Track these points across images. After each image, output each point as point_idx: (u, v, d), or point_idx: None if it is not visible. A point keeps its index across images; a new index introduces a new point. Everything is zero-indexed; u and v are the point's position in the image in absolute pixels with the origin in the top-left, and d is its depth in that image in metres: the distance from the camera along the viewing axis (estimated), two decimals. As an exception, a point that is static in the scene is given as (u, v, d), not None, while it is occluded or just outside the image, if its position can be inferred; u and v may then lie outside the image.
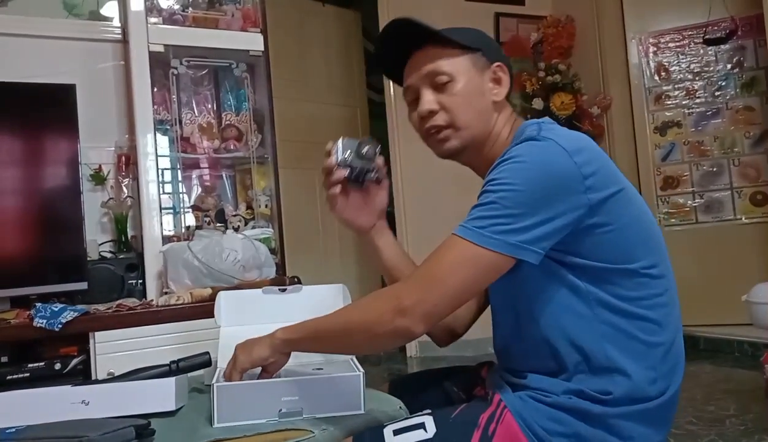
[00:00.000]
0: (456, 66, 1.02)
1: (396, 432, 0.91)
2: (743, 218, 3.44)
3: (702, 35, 3.45)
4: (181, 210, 2.53)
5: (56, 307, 1.90)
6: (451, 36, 1.02)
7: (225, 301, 1.27)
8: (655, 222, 0.99)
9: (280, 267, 2.45)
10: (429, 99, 1.03)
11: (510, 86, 1.07)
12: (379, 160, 1.13)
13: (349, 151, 1.10)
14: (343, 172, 1.10)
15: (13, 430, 0.94)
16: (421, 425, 0.91)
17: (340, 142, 1.10)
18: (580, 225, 0.88)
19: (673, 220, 3.60)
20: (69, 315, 1.86)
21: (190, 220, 2.49)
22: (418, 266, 0.93)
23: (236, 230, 2.46)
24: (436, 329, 1.16)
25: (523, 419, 0.90)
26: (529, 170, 0.86)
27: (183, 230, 2.38)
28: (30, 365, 1.86)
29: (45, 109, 2.17)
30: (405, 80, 1.08)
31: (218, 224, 2.49)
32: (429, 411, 0.95)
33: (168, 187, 2.50)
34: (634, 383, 0.90)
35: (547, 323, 0.94)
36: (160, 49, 2.35)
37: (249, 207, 2.61)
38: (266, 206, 2.61)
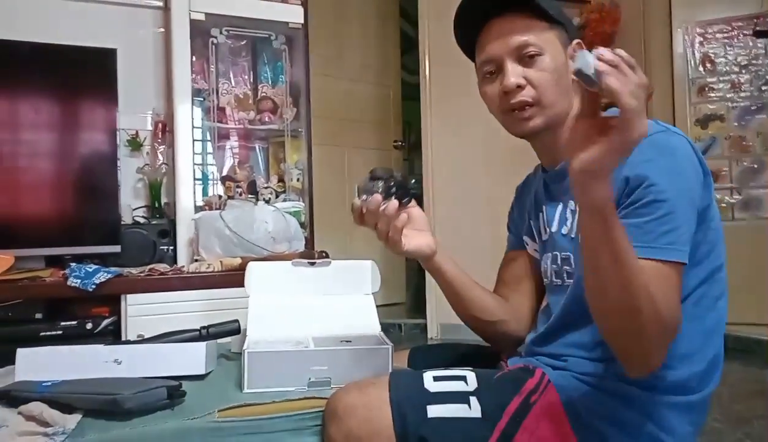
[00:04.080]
0: (544, 39, 0.97)
1: (436, 378, 0.91)
2: (781, 217, 3.34)
3: (752, 27, 3.32)
4: (214, 180, 2.55)
5: (90, 268, 1.94)
6: (542, 6, 0.97)
7: (255, 271, 1.27)
8: None
9: (309, 241, 2.46)
10: (517, 72, 0.96)
11: None
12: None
13: (390, 181, 0.95)
14: (396, 203, 0.95)
15: (49, 384, 0.96)
16: (463, 378, 0.91)
17: (373, 177, 0.96)
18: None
19: (709, 216, 3.50)
20: (102, 276, 1.90)
21: (222, 190, 2.51)
22: (660, 302, 0.78)
23: (267, 202, 2.47)
24: (503, 342, 1.14)
25: (567, 395, 0.89)
26: (684, 168, 0.86)
27: (216, 200, 2.40)
28: (63, 323, 1.91)
29: (85, 73, 2.20)
30: (483, 49, 0.99)
31: (249, 196, 2.50)
32: (471, 368, 0.94)
33: (202, 157, 2.52)
34: (684, 376, 0.89)
35: None
36: (201, 17, 2.36)
37: (281, 180, 2.62)
38: (298, 180, 2.62)
